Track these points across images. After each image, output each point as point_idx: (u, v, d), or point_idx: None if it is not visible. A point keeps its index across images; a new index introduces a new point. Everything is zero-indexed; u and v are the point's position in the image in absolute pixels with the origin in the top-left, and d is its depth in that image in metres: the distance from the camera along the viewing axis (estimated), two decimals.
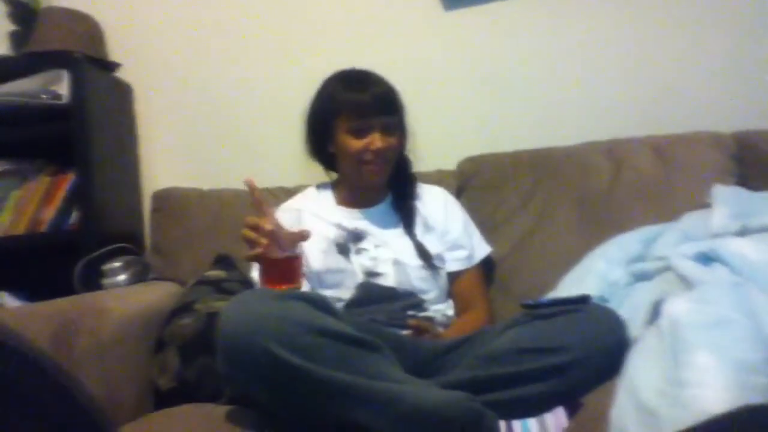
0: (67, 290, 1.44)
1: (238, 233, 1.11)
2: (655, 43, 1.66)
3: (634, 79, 1.67)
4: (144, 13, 1.91)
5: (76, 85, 1.67)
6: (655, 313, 0.92)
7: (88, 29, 1.81)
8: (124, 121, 1.89)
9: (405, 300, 1.31)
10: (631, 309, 1.02)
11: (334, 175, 1.51)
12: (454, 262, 1.40)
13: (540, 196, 1.53)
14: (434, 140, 1.64)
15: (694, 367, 0.70)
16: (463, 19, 1.75)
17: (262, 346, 0.88)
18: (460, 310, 1.39)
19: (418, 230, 1.39)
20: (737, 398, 0.65)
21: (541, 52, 1.72)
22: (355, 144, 1.32)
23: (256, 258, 1.10)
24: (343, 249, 1.36)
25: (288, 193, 1.65)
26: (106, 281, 1.57)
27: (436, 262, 1.36)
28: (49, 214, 1.70)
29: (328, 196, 1.48)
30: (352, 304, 1.31)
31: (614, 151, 1.52)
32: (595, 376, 0.92)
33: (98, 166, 1.70)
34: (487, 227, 1.51)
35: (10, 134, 1.69)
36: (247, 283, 1.38)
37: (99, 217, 1.69)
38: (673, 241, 1.14)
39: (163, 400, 1.22)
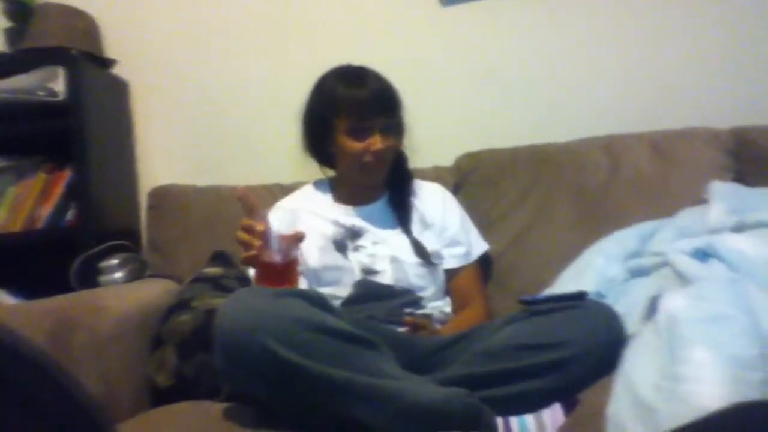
0: (64, 288, 1.44)
1: (235, 231, 1.11)
2: (653, 40, 1.66)
3: (631, 76, 1.67)
4: (141, 9, 1.91)
5: (73, 82, 1.66)
6: (652, 308, 0.93)
7: (85, 26, 1.80)
8: (121, 118, 1.88)
9: (402, 297, 1.31)
10: (628, 305, 1.03)
11: (330, 172, 1.50)
12: (451, 259, 1.40)
13: (537, 192, 1.53)
14: (432, 136, 1.64)
15: (691, 362, 0.70)
16: (460, 15, 1.75)
17: (260, 343, 0.88)
18: (457, 307, 1.39)
19: (416, 227, 1.39)
20: (733, 394, 0.65)
21: (538, 48, 1.72)
22: (356, 146, 1.31)
23: (251, 261, 1.10)
24: (340, 246, 1.36)
25: (284, 189, 1.65)
26: (103, 278, 1.57)
27: (434, 259, 1.36)
28: (46, 211, 1.70)
29: (325, 194, 1.47)
30: (350, 301, 1.31)
31: (612, 147, 1.52)
32: (592, 372, 0.92)
33: (95, 163, 1.69)
34: (485, 223, 1.51)
35: (6, 131, 1.68)
36: (245, 280, 1.38)
37: (96, 214, 1.68)
38: (670, 237, 1.15)
39: (161, 397, 1.22)
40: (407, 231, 1.37)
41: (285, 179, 1.71)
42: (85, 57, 1.73)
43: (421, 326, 1.23)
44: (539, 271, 1.39)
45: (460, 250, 1.42)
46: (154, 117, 1.92)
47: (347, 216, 1.40)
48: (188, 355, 1.22)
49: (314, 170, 1.53)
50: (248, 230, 1.09)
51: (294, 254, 1.13)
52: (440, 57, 1.76)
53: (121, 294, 1.39)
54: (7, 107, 1.64)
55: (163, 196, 1.73)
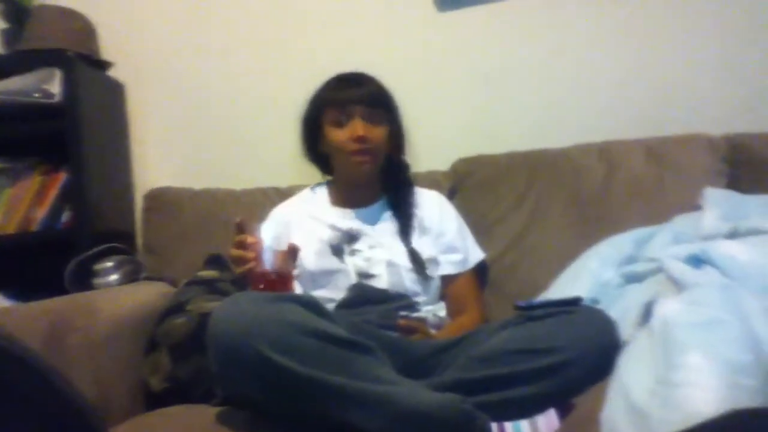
0: (58, 290, 1.43)
1: (230, 234, 1.11)
2: (649, 46, 1.67)
3: (627, 82, 1.67)
4: (137, 11, 1.90)
5: (69, 84, 1.66)
6: (646, 314, 0.93)
7: (81, 28, 1.80)
8: (117, 120, 1.88)
9: (397, 302, 1.31)
10: (622, 310, 1.03)
11: (329, 178, 1.51)
12: (448, 265, 1.40)
13: (533, 197, 1.53)
14: (428, 141, 1.65)
15: (685, 367, 0.70)
16: (457, 20, 1.75)
17: (253, 349, 0.88)
18: (453, 313, 1.39)
19: (414, 234, 1.39)
20: (727, 399, 0.66)
21: (535, 53, 1.72)
22: (339, 135, 1.35)
23: (247, 276, 1.11)
24: (337, 250, 1.36)
25: (280, 193, 1.65)
26: (98, 281, 1.56)
27: (430, 267, 1.36)
28: (41, 212, 1.69)
29: (322, 198, 1.48)
30: (344, 304, 1.31)
31: (607, 153, 1.52)
32: (586, 378, 0.92)
33: (91, 165, 1.69)
34: (481, 228, 1.51)
35: (2, 132, 1.68)
36: (240, 283, 1.38)
37: (91, 217, 1.68)
38: (664, 242, 1.15)
39: (155, 400, 1.22)
40: (406, 241, 1.37)
41: (281, 183, 1.71)
42: (82, 59, 1.73)
43: (413, 329, 1.23)
44: (535, 276, 1.40)
45: (457, 256, 1.42)
46: (150, 119, 1.91)
47: (344, 219, 1.41)
48: (183, 358, 1.22)
49: (310, 174, 1.53)
50: (240, 246, 1.11)
51: (289, 268, 1.13)
52: (437, 62, 1.77)
53: (116, 296, 1.38)
54: (2, 109, 1.64)
55: (158, 198, 1.73)
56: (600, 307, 1.08)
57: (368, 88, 1.38)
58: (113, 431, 1.06)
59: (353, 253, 1.36)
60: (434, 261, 1.38)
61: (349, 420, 0.89)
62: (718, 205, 1.19)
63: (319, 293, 1.33)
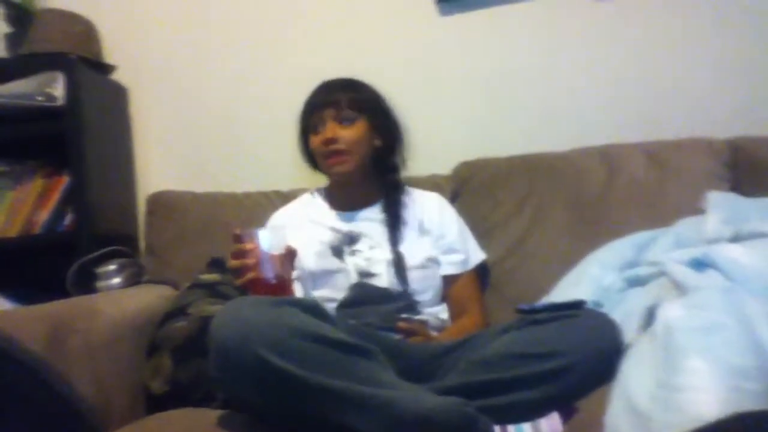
0: (60, 293, 1.43)
1: (229, 245, 1.12)
2: (650, 50, 1.67)
3: (628, 85, 1.68)
4: (140, 15, 1.91)
5: (72, 88, 1.66)
6: (649, 318, 0.93)
7: (84, 31, 1.81)
8: (119, 124, 1.89)
9: (398, 301, 1.31)
10: (624, 314, 1.03)
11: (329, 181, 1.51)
12: (449, 266, 1.40)
13: (534, 200, 1.53)
14: (431, 144, 1.65)
15: (687, 371, 0.70)
16: (458, 24, 1.76)
17: (253, 352, 0.88)
18: (455, 315, 1.39)
19: (413, 234, 1.39)
20: (729, 403, 0.65)
21: (535, 57, 1.72)
22: (315, 140, 1.39)
23: (247, 284, 1.11)
24: (337, 251, 1.36)
25: (282, 196, 1.65)
26: (100, 284, 1.56)
27: (430, 267, 1.36)
28: (44, 215, 1.69)
29: (322, 201, 1.49)
30: (346, 304, 1.31)
31: (608, 157, 1.52)
32: (589, 381, 0.92)
33: (93, 169, 1.69)
34: (482, 231, 1.51)
35: (5, 135, 1.68)
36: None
37: (93, 220, 1.68)
38: (666, 246, 1.15)
39: (155, 404, 1.22)
40: (394, 243, 1.37)
41: (283, 186, 1.71)
42: (85, 62, 1.74)
43: (413, 331, 1.23)
44: (536, 279, 1.39)
45: (457, 257, 1.42)
46: (152, 123, 1.92)
47: (344, 222, 1.41)
48: (184, 361, 1.22)
49: (313, 177, 1.53)
50: (239, 255, 1.11)
51: (288, 272, 1.13)
52: (439, 66, 1.77)
53: (117, 300, 1.39)
54: (6, 112, 1.65)
55: (160, 201, 1.73)
56: (603, 310, 1.08)
57: (339, 91, 1.38)
58: None
59: (354, 253, 1.36)
60: (435, 261, 1.38)
61: (349, 424, 0.88)
62: (721, 208, 1.19)
63: (320, 293, 1.33)
